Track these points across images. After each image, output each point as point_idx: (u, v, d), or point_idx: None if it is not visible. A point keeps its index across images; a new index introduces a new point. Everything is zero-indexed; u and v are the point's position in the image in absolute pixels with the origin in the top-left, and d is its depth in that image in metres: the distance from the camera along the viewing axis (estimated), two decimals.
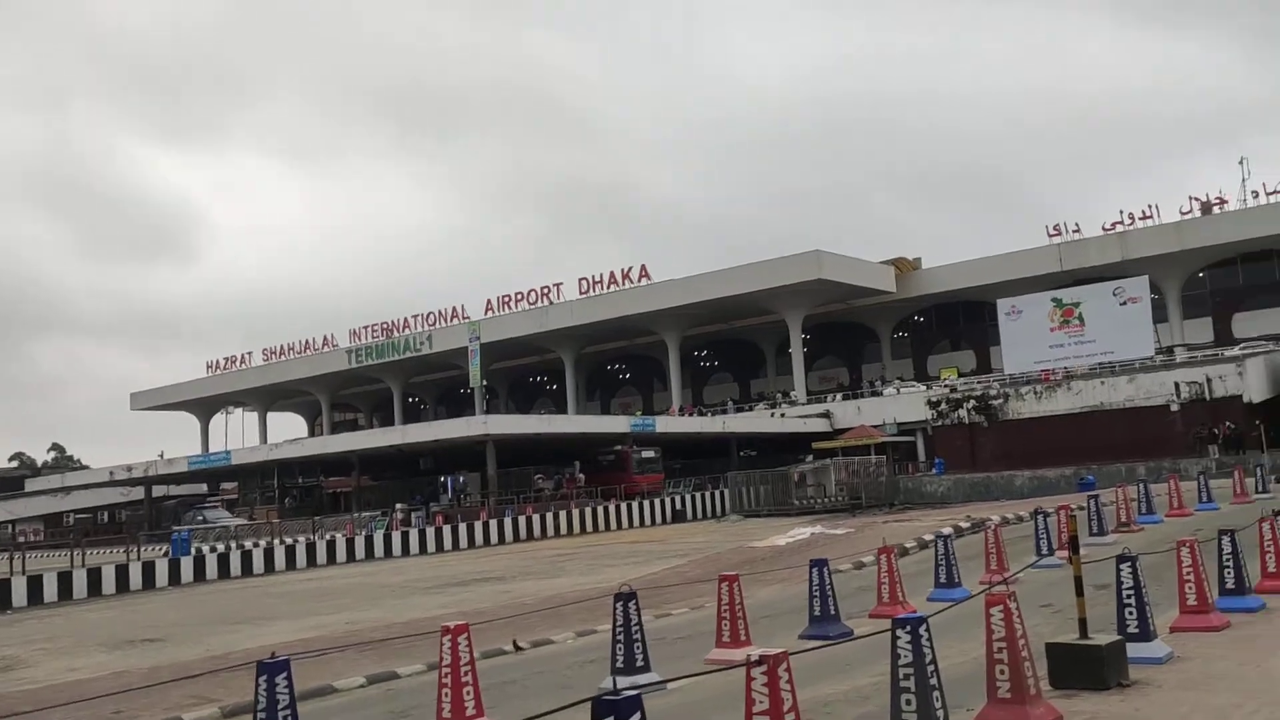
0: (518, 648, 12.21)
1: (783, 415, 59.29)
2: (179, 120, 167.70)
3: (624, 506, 42.12)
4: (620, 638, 8.91)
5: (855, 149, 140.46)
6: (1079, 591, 7.77)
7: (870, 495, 40.96)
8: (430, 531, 36.70)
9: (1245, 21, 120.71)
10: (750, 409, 65.11)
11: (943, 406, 49.98)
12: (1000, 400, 48.22)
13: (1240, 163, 76.37)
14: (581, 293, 68.45)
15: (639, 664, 8.84)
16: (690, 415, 64.24)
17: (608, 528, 40.64)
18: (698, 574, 17.94)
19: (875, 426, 51.41)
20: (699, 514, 45.01)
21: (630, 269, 66.50)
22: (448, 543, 36.24)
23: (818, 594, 11.08)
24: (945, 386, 55.15)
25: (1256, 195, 55.14)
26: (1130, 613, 8.40)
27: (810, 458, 47.98)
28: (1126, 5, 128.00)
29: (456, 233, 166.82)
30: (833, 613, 11.06)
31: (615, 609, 8.99)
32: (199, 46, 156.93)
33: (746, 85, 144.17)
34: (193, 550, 33.25)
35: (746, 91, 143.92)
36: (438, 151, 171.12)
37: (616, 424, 52.55)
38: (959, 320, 68.66)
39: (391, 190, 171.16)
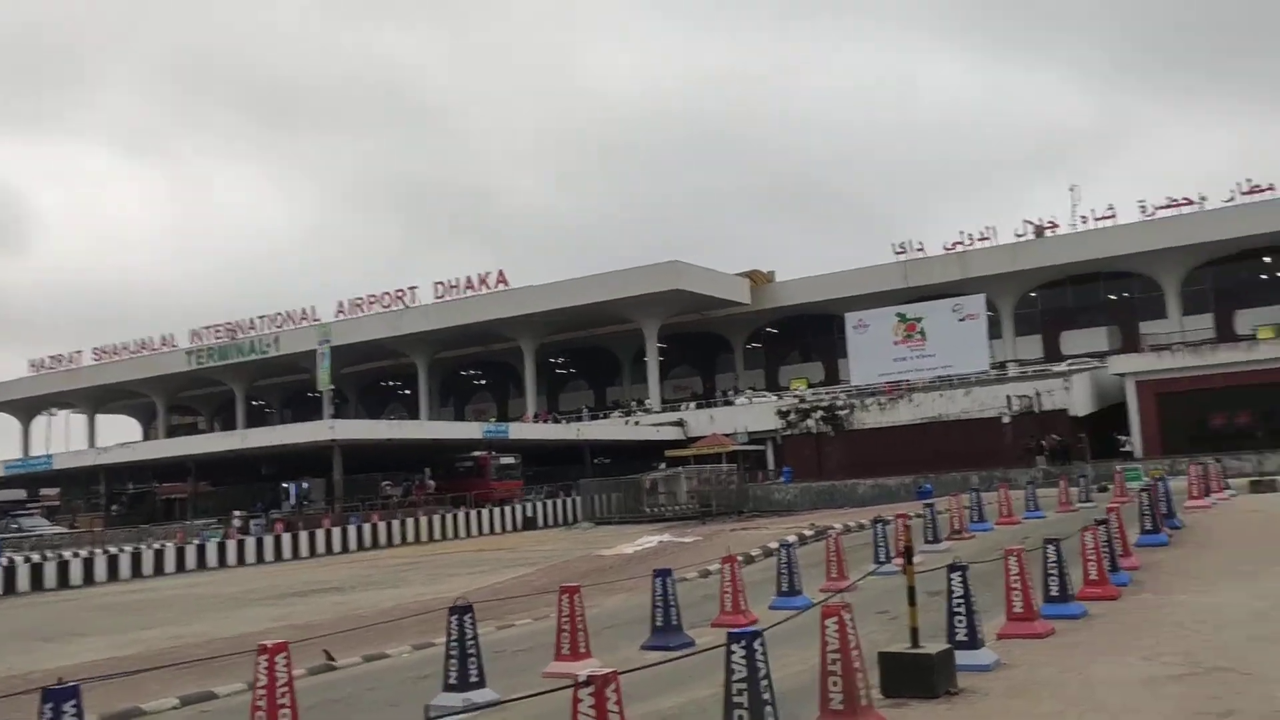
0: (330, 660, 11.65)
1: (637, 423, 59.56)
2: (8, 107, 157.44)
3: (474, 514, 41.45)
4: (454, 653, 8.57)
5: (714, 163, 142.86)
6: (911, 601, 7.85)
7: (720, 503, 41.42)
8: (269, 540, 35.25)
9: (1078, 55, 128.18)
10: (606, 417, 65.23)
11: (792, 416, 51.03)
12: (846, 411, 49.53)
13: (1071, 189, 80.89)
14: (437, 297, 67.26)
15: (473, 680, 8.52)
16: (545, 422, 63.87)
17: (457, 535, 39.90)
18: (544, 583, 17.66)
19: (727, 435, 52.03)
20: (551, 521, 44.67)
21: (488, 274, 65.70)
22: (287, 551, 34.87)
23: (660, 604, 10.97)
24: (795, 397, 56.36)
25: (1085, 220, 58.33)
26: (960, 621, 8.55)
27: (663, 465, 48.27)
28: (970, 35, 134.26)
29: (310, 233, 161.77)
30: (675, 623, 10.97)
31: (450, 622, 8.66)
32: (33, 31, 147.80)
33: (609, 96, 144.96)
34: (3, 560, 30.98)
35: (609, 102, 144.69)
36: (292, 148, 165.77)
37: (469, 430, 51.72)
38: (809, 332, 70.27)
39: (241, 186, 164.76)
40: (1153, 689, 7.62)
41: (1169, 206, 55.25)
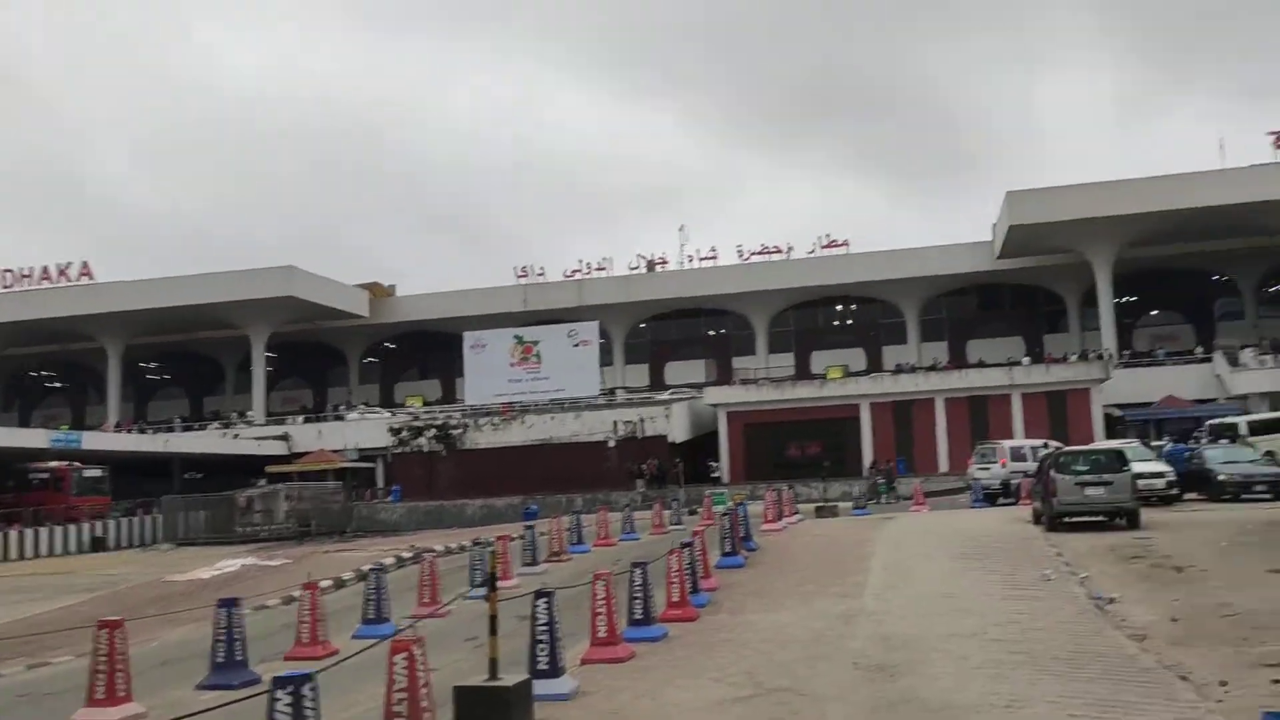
0: None
1: (236, 436, 55.68)
2: None
3: (27, 533, 36.38)
4: None
5: (340, 171, 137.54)
6: (492, 630, 7.52)
7: (323, 522, 39.55)
8: None
9: (694, 105, 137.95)
10: (203, 428, 60.44)
11: (404, 434, 49.95)
12: (460, 430, 49.26)
13: (680, 229, 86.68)
14: (4, 286, 59.19)
15: None
16: (129, 432, 57.96)
17: (7, 558, 34.83)
18: (96, 613, 15.55)
19: (336, 451, 50.11)
20: (126, 542, 40.28)
21: (69, 265, 58.85)
22: None
23: (223, 637, 9.90)
24: (409, 414, 55.33)
25: (691, 259, 62.69)
26: (543, 649, 8.37)
27: (263, 482, 45.41)
28: (600, 73, 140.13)
29: None
30: (239, 658, 9.93)
31: None
32: None
33: (228, 97, 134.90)
34: None
35: (226, 103, 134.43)
36: None
37: (32, 438, 45.48)
38: (429, 350, 69.47)
39: None
40: (720, 711, 7.82)
41: (762, 253, 60.75)
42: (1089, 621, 10.72)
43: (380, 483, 52.38)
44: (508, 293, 62.79)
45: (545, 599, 8.39)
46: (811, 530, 22.75)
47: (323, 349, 69.77)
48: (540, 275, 63.13)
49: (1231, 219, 48.58)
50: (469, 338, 54.91)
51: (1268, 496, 23.09)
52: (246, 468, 49.36)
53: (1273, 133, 47.89)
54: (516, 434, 48.65)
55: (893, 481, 35.64)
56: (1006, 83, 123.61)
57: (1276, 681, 7.60)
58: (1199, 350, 52.51)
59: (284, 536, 37.69)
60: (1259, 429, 32.35)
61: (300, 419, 60.63)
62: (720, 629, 11.45)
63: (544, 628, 8.37)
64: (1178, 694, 7.51)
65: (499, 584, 7.95)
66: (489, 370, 53.39)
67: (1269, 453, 27.58)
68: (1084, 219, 48.91)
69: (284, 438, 54.44)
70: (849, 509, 28.95)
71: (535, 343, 53.67)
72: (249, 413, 61.56)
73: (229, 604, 10.04)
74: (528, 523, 22.93)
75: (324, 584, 16.85)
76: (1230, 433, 32.30)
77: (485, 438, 48.95)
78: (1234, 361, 47.05)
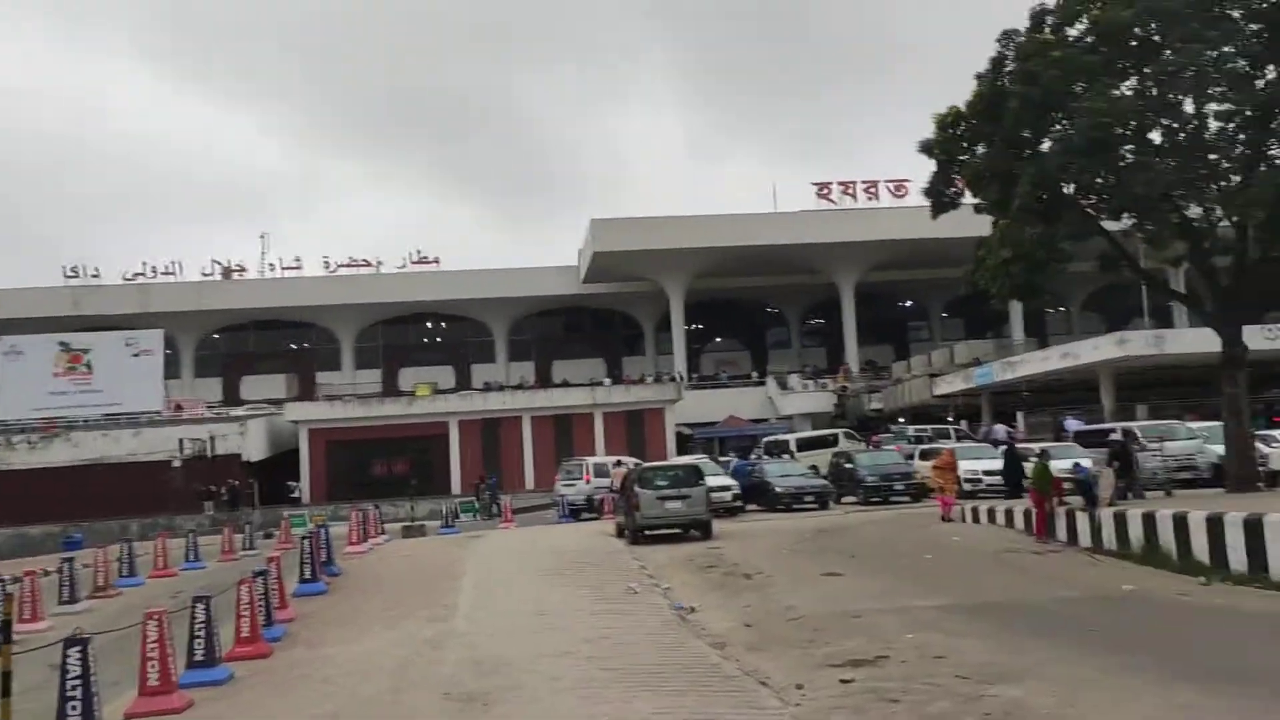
0: None
1: None
2: None
3: None
4: None
5: None
6: (4, 691, 6.10)
7: None
8: None
9: (278, 109, 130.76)
10: None
11: None
12: None
13: (261, 236, 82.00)
14: None
15: None
16: None
17: None
18: None
19: None
20: None
21: None
22: None
23: None
24: None
25: (273, 268, 59.10)
26: (74, 706, 7.00)
27: None
28: (169, 61, 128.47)
29: None
30: None
31: None
32: None
33: None
34: None
35: None
36: None
37: None
38: None
39: None
40: None
41: (350, 265, 58.77)
42: (674, 632, 10.96)
43: None
44: (54, 295, 55.49)
45: (78, 647, 7.01)
46: (399, 551, 21.91)
47: None
48: (95, 277, 56.53)
49: (781, 257, 54.24)
50: (1, 343, 47.77)
51: (814, 506, 25.68)
52: None
53: (815, 183, 54.14)
54: (61, 453, 43.24)
55: (497, 497, 35.44)
56: (595, 115, 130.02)
57: (844, 681, 8.06)
58: (755, 375, 57.95)
59: None
60: (805, 445, 36.22)
61: None
62: (296, 665, 10.40)
63: (76, 681, 6.99)
64: (761, 700, 7.73)
65: (27, 629, 6.56)
66: (27, 381, 46.78)
67: (813, 466, 30.85)
68: (659, 250, 52.29)
69: None
70: (437, 528, 28.38)
71: (86, 351, 47.86)
72: None
73: None
74: (67, 554, 19.94)
75: None
76: (782, 449, 35.84)
77: (20, 458, 43.03)
78: (783, 385, 52.46)
